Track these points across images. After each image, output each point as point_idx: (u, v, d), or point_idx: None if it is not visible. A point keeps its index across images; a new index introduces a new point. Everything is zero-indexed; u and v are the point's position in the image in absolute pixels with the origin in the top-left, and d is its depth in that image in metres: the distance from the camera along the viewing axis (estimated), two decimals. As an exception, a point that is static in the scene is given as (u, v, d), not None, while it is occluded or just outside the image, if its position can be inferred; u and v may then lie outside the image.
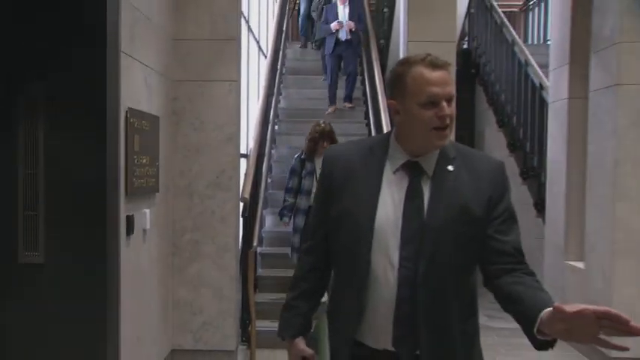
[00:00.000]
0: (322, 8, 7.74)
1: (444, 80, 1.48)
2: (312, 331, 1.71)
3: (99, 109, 2.77)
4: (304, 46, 9.23)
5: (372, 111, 6.82)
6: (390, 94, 1.57)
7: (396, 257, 1.50)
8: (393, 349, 1.53)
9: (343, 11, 7.23)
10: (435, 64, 1.48)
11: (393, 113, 1.57)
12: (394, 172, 1.56)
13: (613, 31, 4.03)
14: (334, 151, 1.68)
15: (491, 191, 1.53)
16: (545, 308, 1.35)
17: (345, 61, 7.38)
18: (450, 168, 1.54)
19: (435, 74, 1.47)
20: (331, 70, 7.35)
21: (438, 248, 1.49)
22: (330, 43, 7.33)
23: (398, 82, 1.52)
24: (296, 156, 4.78)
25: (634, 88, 3.96)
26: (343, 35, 7.20)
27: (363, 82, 7.80)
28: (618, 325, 1.22)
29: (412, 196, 1.52)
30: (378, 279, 1.51)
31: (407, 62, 1.52)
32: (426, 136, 1.50)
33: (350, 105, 7.42)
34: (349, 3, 7.26)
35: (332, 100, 7.40)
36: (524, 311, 1.41)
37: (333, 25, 7.18)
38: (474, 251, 1.54)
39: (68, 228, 2.77)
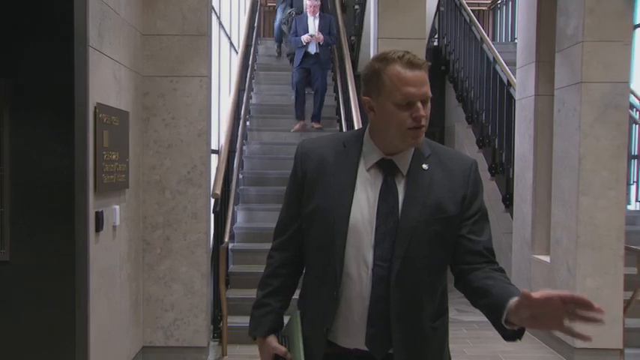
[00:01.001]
0: (293, 20, 7.46)
1: (420, 81, 1.45)
2: (284, 328, 1.68)
3: (67, 105, 2.73)
4: (279, 55, 8.86)
5: (343, 107, 6.85)
6: (365, 90, 1.53)
7: (370, 256, 1.49)
8: (364, 348, 1.52)
9: (313, 23, 7.02)
10: (413, 64, 1.44)
11: (367, 110, 1.53)
12: (368, 170, 1.54)
13: (576, 30, 4.14)
14: (307, 146, 1.63)
15: (465, 190, 1.53)
16: (513, 298, 1.36)
17: (313, 75, 7.04)
18: (425, 166, 1.53)
19: (413, 74, 1.44)
20: (297, 83, 7.01)
21: (412, 247, 1.48)
22: (298, 56, 7.05)
23: (374, 79, 1.48)
24: None
25: (597, 86, 4.07)
26: (312, 48, 6.97)
27: (334, 78, 7.82)
28: (583, 309, 1.24)
29: (386, 195, 1.51)
30: (352, 278, 1.50)
31: (384, 59, 1.47)
32: (400, 135, 1.48)
33: (318, 125, 7.04)
34: (320, 16, 7.06)
35: (299, 115, 7.07)
36: (492, 303, 1.42)
37: (304, 38, 6.93)
38: (446, 250, 1.54)
39: (35, 225, 2.74)
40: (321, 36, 6.92)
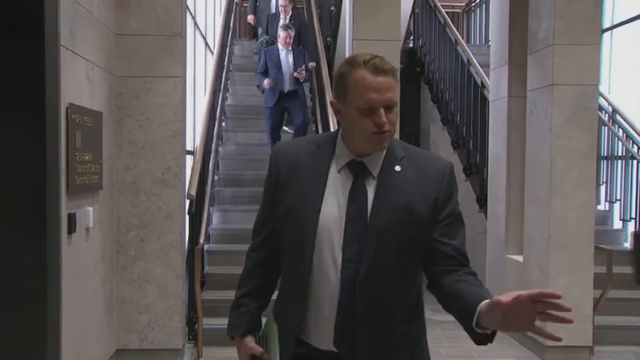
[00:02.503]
0: (263, 52, 6.46)
1: (384, 87, 1.44)
2: (262, 328, 1.69)
3: (38, 105, 2.69)
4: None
5: (319, 110, 6.86)
6: (334, 92, 1.55)
7: (340, 257, 1.49)
8: (335, 349, 1.52)
9: (286, 57, 6.19)
10: (379, 69, 1.44)
11: (335, 112, 1.56)
12: (339, 172, 1.54)
13: (547, 33, 4.21)
14: (281, 147, 1.65)
15: (438, 193, 1.52)
16: (483, 301, 1.36)
17: (292, 113, 6.27)
18: (397, 168, 1.53)
19: (376, 80, 1.43)
20: (271, 129, 6.21)
21: (379, 249, 1.47)
22: (270, 96, 6.16)
23: (340, 83, 1.50)
24: None
25: (567, 89, 4.15)
26: (287, 86, 6.16)
27: (310, 79, 7.80)
28: (553, 306, 1.25)
29: (355, 197, 1.51)
30: (322, 278, 1.50)
31: (352, 63, 1.48)
32: (364, 139, 1.48)
33: None
34: (293, 50, 6.28)
35: None
36: (463, 307, 1.42)
37: (266, 82, 6.05)
38: (417, 253, 1.53)
39: (6, 227, 2.69)
40: (303, 73, 6.19)
